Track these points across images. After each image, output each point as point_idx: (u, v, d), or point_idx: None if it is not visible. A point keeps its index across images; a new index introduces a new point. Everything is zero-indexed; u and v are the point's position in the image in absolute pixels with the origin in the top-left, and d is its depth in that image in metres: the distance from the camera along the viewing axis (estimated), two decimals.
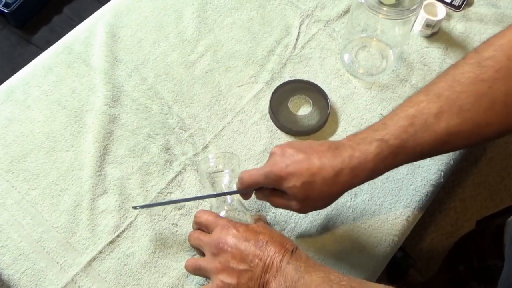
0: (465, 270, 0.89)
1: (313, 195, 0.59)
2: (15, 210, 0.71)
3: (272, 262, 0.56)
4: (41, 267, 0.67)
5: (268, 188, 0.63)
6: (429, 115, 0.57)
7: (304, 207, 0.61)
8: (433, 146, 0.58)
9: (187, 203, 0.72)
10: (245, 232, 0.59)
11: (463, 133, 0.57)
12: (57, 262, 0.67)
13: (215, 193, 0.67)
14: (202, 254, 0.62)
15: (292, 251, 0.57)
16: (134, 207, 0.69)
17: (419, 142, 0.57)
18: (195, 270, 0.62)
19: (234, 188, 0.67)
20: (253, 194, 0.66)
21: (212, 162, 0.69)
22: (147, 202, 0.72)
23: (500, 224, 0.77)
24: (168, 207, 0.71)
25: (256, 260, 0.56)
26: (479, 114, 0.56)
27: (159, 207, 0.72)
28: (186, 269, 0.63)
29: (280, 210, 0.72)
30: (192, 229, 0.66)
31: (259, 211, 0.73)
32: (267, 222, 0.66)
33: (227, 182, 0.68)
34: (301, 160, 0.58)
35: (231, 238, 0.58)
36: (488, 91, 0.55)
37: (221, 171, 0.69)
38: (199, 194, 0.72)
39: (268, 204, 0.71)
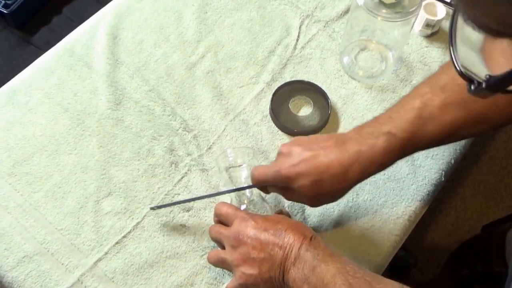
0: (469, 274, 0.90)
1: (323, 192, 0.59)
2: (18, 213, 0.71)
3: (292, 249, 0.56)
4: (45, 268, 0.67)
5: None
6: (434, 108, 0.57)
7: (315, 203, 0.63)
8: (439, 137, 0.59)
9: (196, 204, 0.72)
10: (264, 222, 0.59)
11: (468, 124, 0.58)
12: (62, 264, 0.67)
13: (233, 188, 0.67)
14: (223, 247, 0.63)
15: (311, 238, 0.58)
16: (152, 208, 0.70)
17: (426, 134, 0.58)
18: (217, 262, 0.63)
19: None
20: None
21: (231, 156, 0.70)
22: (156, 204, 0.72)
23: (506, 230, 0.77)
24: (176, 208, 0.72)
25: (276, 249, 0.57)
26: (482, 107, 0.57)
27: (172, 207, 0.72)
28: (208, 261, 0.64)
29: (288, 207, 0.73)
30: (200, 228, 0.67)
31: (279, 204, 0.73)
32: (289, 215, 0.67)
33: (245, 176, 0.69)
34: (308, 159, 0.59)
35: (250, 230, 0.59)
36: None
37: (239, 165, 0.69)
38: (206, 193, 0.72)
39: (281, 199, 0.73)
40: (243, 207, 0.67)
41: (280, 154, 0.62)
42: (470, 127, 0.59)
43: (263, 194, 0.70)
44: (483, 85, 0.34)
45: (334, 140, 0.60)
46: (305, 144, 0.61)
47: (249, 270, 0.58)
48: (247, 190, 0.68)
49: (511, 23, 0.28)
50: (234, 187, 0.68)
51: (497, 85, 0.33)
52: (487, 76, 0.34)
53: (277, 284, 0.57)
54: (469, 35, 0.37)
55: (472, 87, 0.36)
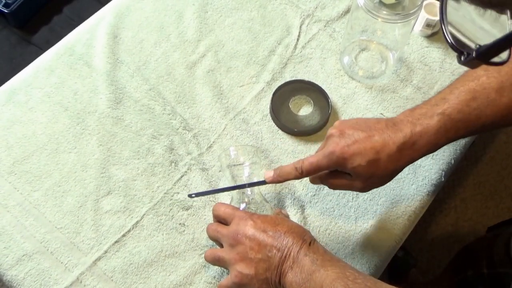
0: (473, 275, 0.89)
1: (378, 172, 0.59)
2: (18, 211, 0.71)
3: (290, 252, 0.56)
4: (45, 267, 0.67)
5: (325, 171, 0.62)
6: (491, 90, 0.57)
7: (367, 185, 0.61)
8: (494, 120, 0.58)
9: (195, 203, 0.72)
10: (263, 223, 0.59)
11: None
12: (62, 262, 0.67)
13: (248, 182, 0.67)
14: (221, 246, 0.63)
15: (310, 242, 0.57)
16: (190, 195, 0.69)
17: (481, 116, 0.57)
18: (214, 261, 0.63)
19: (254, 180, 0.67)
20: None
21: (233, 155, 0.69)
22: (154, 202, 0.72)
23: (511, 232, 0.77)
24: (175, 207, 0.72)
25: (274, 251, 0.57)
26: None
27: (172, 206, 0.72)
28: (205, 259, 0.64)
29: (288, 206, 0.73)
30: (198, 228, 0.67)
31: (278, 204, 0.73)
32: (288, 216, 0.66)
33: (247, 174, 0.68)
34: (362, 139, 0.58)
35: (248, 229, 0.58)
36: None
37: (242, 163, 0.69)
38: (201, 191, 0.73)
39: (284, 197, 0.72)
40: (243, 206, 0.67)
41: (330, 136, 0.61)
42: None
43: (263, 194, 0.70)
44: (473, 54, 0.36)
45: (384, 122, 0.60)
46: (356, 126, 0.60)
47: (246, 270, 0.57)
48: (248, 189, 0.68)
49: None
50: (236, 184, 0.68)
51: (486, 53, 0.35)
52: (477, 46, 0.36)
53: (273, 286, 0.57)
54: (460, 9, 0.40)
55: (462, 58, 0.38)
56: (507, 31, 0.34)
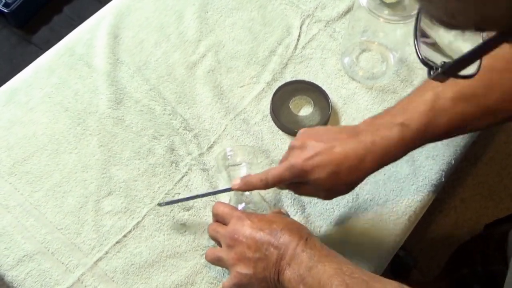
0: (469, 273, 0.90)
1: (339, 183, 0.60)
2: (18, 212, 0.71)
3: (287, 250, 0.56)
4: (46, 267, 0.67)
5: None
6: (446, 100, 0.58)
7: (329, 195, 0.63)
8: (449, 129, 0.60)
9: (196, 203, 0.72)
10: (260, 222, 0.59)
11: (477, 118, 0.59)
12: (62, 263, 0.67)
13: (211, 191, 0.68)
14: (221, 246, 0.63)
15: (306, 238, 0.57)
16: (159, 204, 0.70)
17: (437, 126, 0.59)
18: (214, 261, 0.63)
19: None
20: None
21: (230, 155, 0.70)
22: (155, 203, 0.72)
23: (506, 230, 0.77)
24: (176, 208, 0.72)
25: (271, 249, 0.57)
26: (492, 101, 0.58)
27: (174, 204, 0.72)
28: (206, 259, 0.65)
29: (288, 206, 0.73)
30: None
31: (278, 203, 0.73)
32: (288, 215, 0.66)
33: (244, 174, 0.68)
34: (323, 151, 0.59)
35: (246, 229, 0.59)
36: (500, 81, 0.57)
37: (239, 164, 0.69)
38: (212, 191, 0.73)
39: (284, 197, 0.73)
40: (241, 206, 0.67)
41: (292, 148, 0.62)
42: (480, 120, 0.60)
43: (262, 193, 0.70)
44: (439, 70, 0.39)
45: (346, 131, 0.61)
46: (318, 136, 0.61)
47: (244, 270, 0.58)
48: (246, 192, 0.68)
49: (460, 17, 0.31)
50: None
51: (452, 69, 0.38)
52: (442, 63, 0.39)
53: (272, 284, 0.57)
54: (433, 27, 0.42)
55: (432, 73, 0.41)
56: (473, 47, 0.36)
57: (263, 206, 0.68)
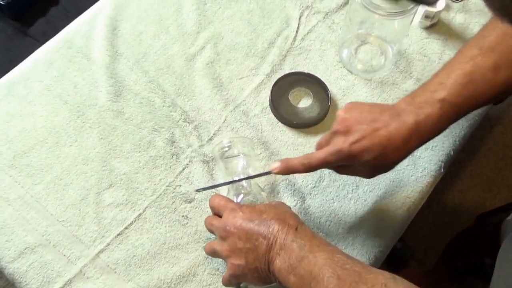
0: (463, 265, 0.90)
1: (384, 163, 0.61)
2: (19, 205, 0.71)
3: (276, 239, 0.57)
4: (47, 260, 0.67)
5: None
6: (487, 70, 0.58)
7: (374, 174, 0.63)
8: (490, 98, 0.59)
9: (197, 195, 0.73)
10: (250, 213, 0.60)
11: None
12: (64, 255, 0.68)
13: (256, 174, 0.67)
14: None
15: (296, 227, 0.58)
16: (197, 190, 0.71)
17: (479, 96, 0.59)
18: (211, 253, 0.64)
19: (250, 173, 0.68)
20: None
21: (227, 146, 0.70)
22: (157, 195, 0.73)
23: (498, 221, 0.78)
24: (177, 200, 0.72)
25: (260, 239, 0.57)
26: None
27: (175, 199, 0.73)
28: (205, 252, 0.65)
29: (283, 201, 0.73)
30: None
31: (277, 195, 0.74)
32: (289, 207, 0.66)
33: (242, 166, 0.69)
34: (369, 134, 0.59)
35: (237, 220, 0.59)
36: None
37: (236, 155, 0.69)
38: (207, 184, 0.73)
39: (284, 188, 0.73)
40: (240, 197, 0.67)
41: (336, 132, 0.61)
42: None
43: (261, 185, 0.70)
44: None
45: (388, 112, 0.60)
46: (360, 119, 0.60)
47: (237, 261, 0.58)
48: (244, 181, 0.68)
49: None
50: (231, 177, 0.68)
51: None
52: None
53: (264, 274, 0.58)
54: None
55: None
56: None
57: (261, 197, 0.68)
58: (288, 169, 0.63)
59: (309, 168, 0.61)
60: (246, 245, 0.58)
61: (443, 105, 0.58)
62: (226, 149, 0.70)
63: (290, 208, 0.64)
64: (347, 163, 0.61)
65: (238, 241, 0.58)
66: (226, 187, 0.70)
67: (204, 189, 0.71)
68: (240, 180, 0.69)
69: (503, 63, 0.58)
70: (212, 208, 0.65)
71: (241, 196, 0.68)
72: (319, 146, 0.64)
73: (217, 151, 0.71)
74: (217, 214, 0.65)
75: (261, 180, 0.73)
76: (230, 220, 0.60)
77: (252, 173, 0.68)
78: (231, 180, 0.69)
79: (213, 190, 0.72)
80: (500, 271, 0.60)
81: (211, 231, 0.65)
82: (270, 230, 0.57)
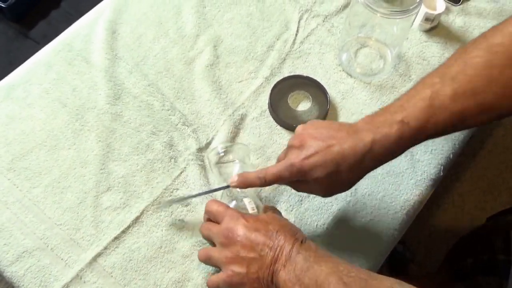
0: (473, 263, 0.90)
1: (338, 182, 0.60)
2: (17, 208, 0.71)
3: (282, 251, 0.56)
4: (45, 263, 0.67)
5: None
6: (445, 97, 0.58)
7: (328, 193, 0.62)
8: (449, 126, 0.59)
9: (194, 199, 0.72)
10: (255, 222, 0.59)
11: (476, 114, 0.59)
12: (62, 259, 0.68)
13: (225, 185, 0.67)
14: (214, 245, 0.63)
15: (302, 240, 0.58)
16: (158, 206, 0.71)
17: (437, 123, 0.58)
18: (206, 260, 0.63)
19: None
20: None
21: (222, 152, 0.69)
22: (154, 198, 0.72)
23: (511, 220, 0.78)
24: (173, 204, 0.72)
25: (266, 249, 0.57)
26: (491, 98, 0.58)
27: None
28: (199, 259, 0.64)
29: (281, 204, 0.73)
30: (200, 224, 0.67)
31: (273, 200, 0.73)
32: (279, 213, 0.66)
33: (236, 172, 0.68)
34: (322, 150, 0.58)
35: (240, 228, 0.59)
36: (499, 77, 0.57)
37: (231, 161, 0.69)
38: (204, 188, 0.73)
39: (281, 191, 0.73)
40: (233, 203, 0.66)
41: (290, 147, 0.62)
42: (480, 116, 0.59)
43: (254, 191, 0.69)
44: None
45: (345, 129, 0.60)
46: (316, 135, 0.60)
47: (238, 269, 0.58)
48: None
49: None
50: (226, 183, 0.68)
51: None
52: None
53: (265, 285, 0.57)
54: None
55: None
56: None
57: (254, 204, 0.67)
58: (245, 183, 0.63)
59: (264, 182, 0.62)
60: (250, 254, 0.57)
61: (402, 127, 0.58)
62: (222, 154, 0.70)
63: (288, 220, 0.64)
64: (300, 179, 0.61)
65: (241, 249, 0.58)
66: (219, 192, 0.70)
67: (165, 204, 0.71)
68: (199, 194, 0.69)
69: (460, 92, 0.58)
70: (209, 213, 0.64)
71: (234, 202, 0.66)
72: (278, 161, 0.65)
73: (212, 156, 0.70)
74: (214, 220, 0.64)
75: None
76: (232, 227, 0.59)
77: None
78: (191, 195, 0.70)
79: (211, 194, 0.72)
80: None
81: (208, 238, 0.64)
82: (277, 241, 0.57)
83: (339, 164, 0.58)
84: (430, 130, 0.59)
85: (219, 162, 0.69)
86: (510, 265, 0.60)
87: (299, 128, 0.63)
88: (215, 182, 0.70)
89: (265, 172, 0.62)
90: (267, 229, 0.58)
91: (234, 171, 0.68)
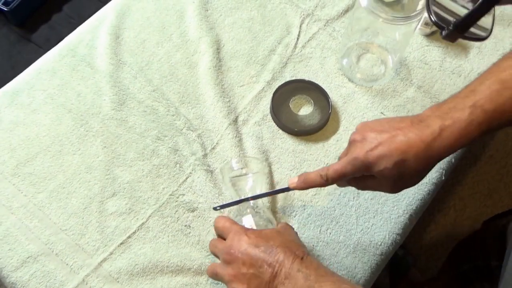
0: (469, 269, 0.90)
1: (407, 173, 0.56)
2: (22, 213, 0.71)
3: (281, 268, 0.56)
4: (50, 269, 0.68)
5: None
6: None
7: (397, 187, 0.59)
8: None
9: (200, 204, 0.73)
10: (256, 238, 0.59)
11: None
12: (67, 264, 0.68)
13: (268, 192, 0.67)
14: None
15: (302, 257, 0.57)
16: (215, 208, 0.70)
17: None
18: (213, 276, 0.63)
19: (257, 193, 0.68)
20: None
21: (236, 166, 0.70)
22: (160, 204, 0.73)
23: (505, 224, 0.78)
24: (180, 209, 0.73)
25: (265, 266, 0.56)
26: None
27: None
28: (207, 275, 0.65)
29: (281, 211, 0.73)
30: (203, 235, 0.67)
31: (284, 214, 0.74)
32: (291, 228, 0.65)
33: (250, 186, 0.68)
34: (386, 141, 0.55)
35: (242, 244, 0.59)
36: None
37: (245, 175, 0.69)
38: (210, 194, 0.73)
39: (285, 197, 0.73)
40: (247, 218, 0.66)
41: (352, 142, 0.59)
42: None
43: (268, 204, 0.70)
44: (451, 27, 0.44)
45: (409, 120, 0.57)
46: (379, 128, 0.57)
47: (239, 286, 0.57)
48: (251, 201, 0.68)
49: None
50: (239, 197, 0.69)
51: (462, 25, 0.43)
52: (453, 20, 0.46)
53: None
54: None
55: (443, 33, 0.47)
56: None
57: (268, 218, 0.67)
58: (306, 183, 0.61)
59: (326, 180, 0.59)
60: (250, 270, 0.57)
61: (474, 110, 0.53)
62: (235, 169, 0.70)
63: (297, 234, 0.64)
64: (365, 173, 0.58)
65: (241, 266, 0.57)
66: (234, 206, 0.70)
67: (222, 206, 0.70)
68: (259, 196, 0.68)
69: None
70: (216, 229, 0.65)
71: (249, 216, 0.67)
72: (339, 159, 0.62)
73: (226, 170, 0.71)
74: (221, 236, 0.64)
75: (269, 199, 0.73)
76: (234, 244, 0.59)
77: (259, 193, 0.68)
78: (249, 196, 0.68)
79: (217, 199, 0.73)
80: (509, 272, 0.59)
81: (214, 254, 0.64)
82: (276, 258, 0.56)
83: (406, 153, 0.54)
84: (507, 114, 0.54)
85: (233, 176, 0.70)
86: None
87: (359, 124, 0.60)
88: (232, 196, 0.70)
89: (326, 169, 0.59)
90: (268, 245, 0.58)
91: (248, 184, 0.69)
